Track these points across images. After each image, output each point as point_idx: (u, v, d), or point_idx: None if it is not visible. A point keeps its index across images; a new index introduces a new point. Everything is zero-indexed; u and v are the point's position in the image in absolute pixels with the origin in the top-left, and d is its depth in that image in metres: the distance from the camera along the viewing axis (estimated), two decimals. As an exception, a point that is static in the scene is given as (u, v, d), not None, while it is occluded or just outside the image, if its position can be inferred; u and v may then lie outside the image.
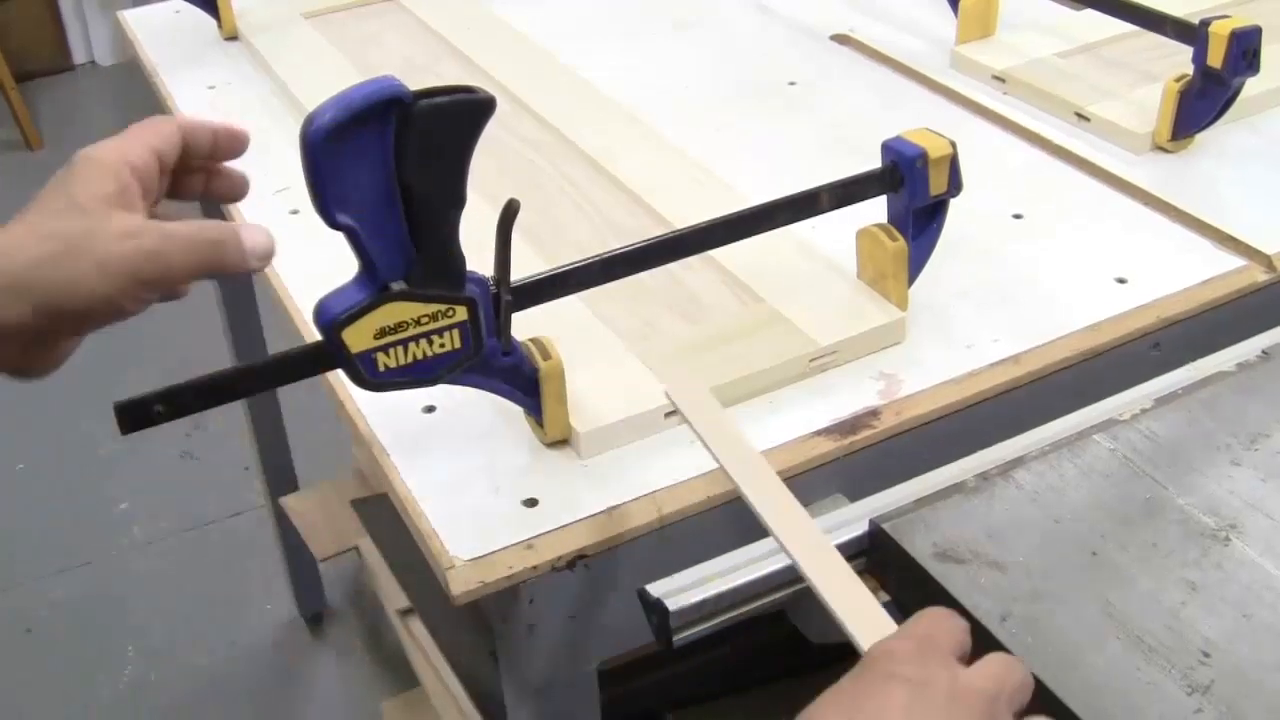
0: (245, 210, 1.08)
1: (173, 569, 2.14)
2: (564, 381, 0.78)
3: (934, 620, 0.55)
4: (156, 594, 2.09)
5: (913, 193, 0.85)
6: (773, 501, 0.70)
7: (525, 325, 0.77)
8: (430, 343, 0.72)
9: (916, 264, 0.89)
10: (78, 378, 2.32)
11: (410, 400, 0.84)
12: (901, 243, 0.87)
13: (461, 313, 0.72)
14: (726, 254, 0.91)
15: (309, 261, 0.86)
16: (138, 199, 0.61)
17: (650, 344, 0.87)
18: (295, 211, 1.05)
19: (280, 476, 1.88)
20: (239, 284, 1.64)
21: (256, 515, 2.21)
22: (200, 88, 1.29)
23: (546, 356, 0.77)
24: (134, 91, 3.70)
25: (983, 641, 0.64)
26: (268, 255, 0.65)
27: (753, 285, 0.92)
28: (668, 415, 0.82)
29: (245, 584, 2.10)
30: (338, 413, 0.87)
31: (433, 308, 0.71)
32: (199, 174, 0.71)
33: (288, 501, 1.83)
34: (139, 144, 0.64)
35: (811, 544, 0.66)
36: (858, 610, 0.60)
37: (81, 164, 0.61)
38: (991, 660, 0.54)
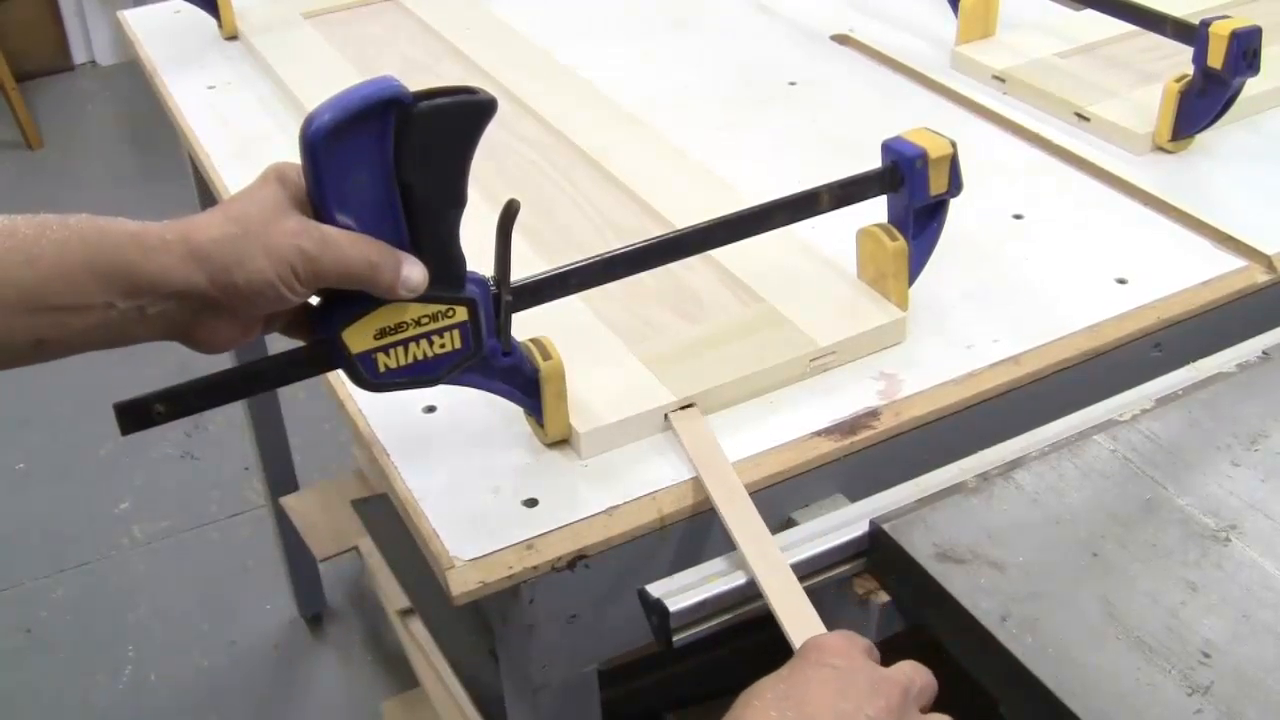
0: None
1: (173, 569, 2.14)
2: (564, 381, 0.78)
3: (850, 631, 0.63)
4: (156, 594, 2.09)
5: (913, 192, 0.85)
6: (739, 515, 0.74)
7: (525, 325, 0.77)
8: (430, 343, 0.72)
9: (917, 264, 0.89)
10: (78, 378, 2.31)
11: (411, 401, 0.84)
12: (902, 242, 0.87)
13: (461, 313, 0.72)
14: (727, 254, 0.91)
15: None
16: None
17: (650, 344, 0.87)
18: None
19: (280, 476, 1.88)
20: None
21: (256, 515, 2.21)
22: (200, 88, 1.29)
23: (547, 356, 0.77)
24: (134, 91, 3.69)
25: (982, 642, 0.64)
26: (418, 289, 0.70)
27: (753, 285, 0.92)
28: (668, 415, 0.82)
29: (245, 584, 2.10)
30: (338, 413, 0.87)
31: (433, 308, 0.71)
32: None
33: (288, 501, 1.83)
34: None
35: (766, 556, 0.71)
36: (796, 614, 0.67)
37: (272, 172, 0.69)
38: (903, 664, 0.62)
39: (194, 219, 0.67)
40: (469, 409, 0.84)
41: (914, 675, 0.61)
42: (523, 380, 0.77)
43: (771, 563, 0.70)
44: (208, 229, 0.66)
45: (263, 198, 0.67)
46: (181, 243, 0.65)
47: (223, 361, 0.80)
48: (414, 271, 0.69)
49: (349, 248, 0.67)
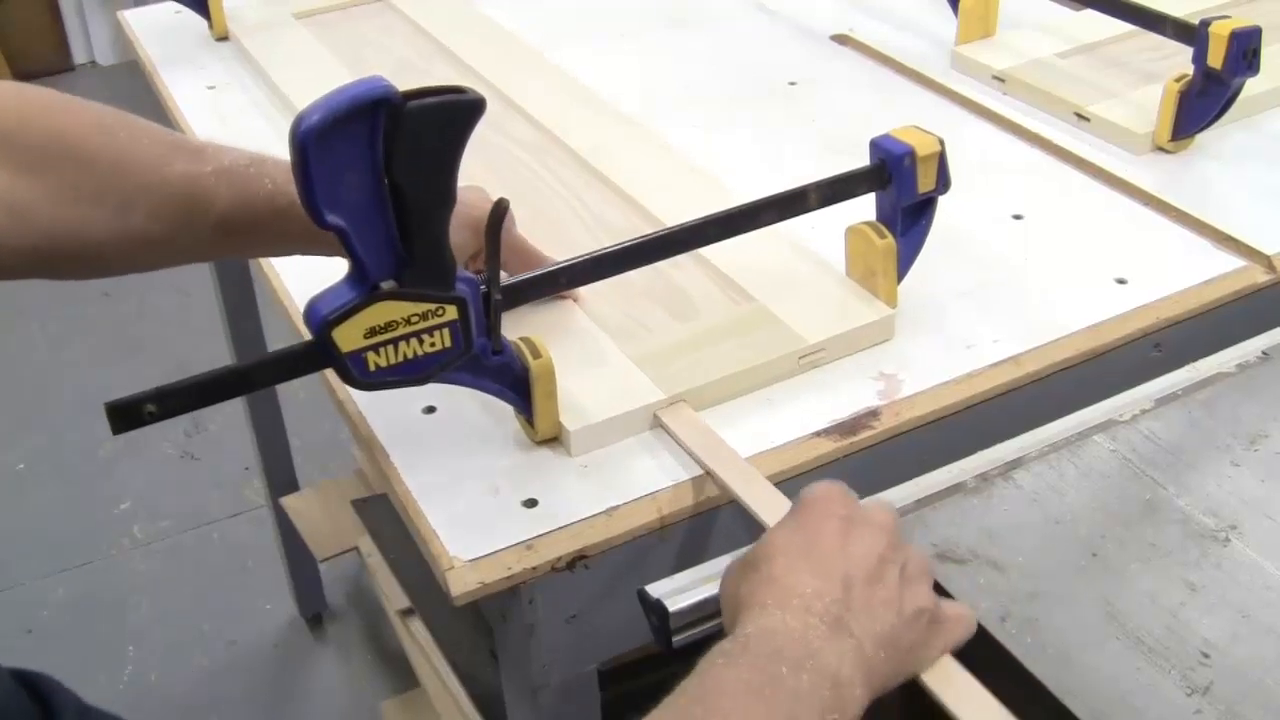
0: (245, 210, 1.07)
1: (173, 569, 2.14)
2: (554, 380, 0.78)
3: (835, 482, 0.67)
4: (156, 594, 2.09)
5: (901, 190, 0.85)
6: (762, 497, 0.73)
7: (516, 324, 0.77)
8: (420, 342, 0.72)
9: (905, 261, 0.89)
10: (78, 378, 2.31)
11: (410, 401, 0.84)
12: (890, 240, 0.87)
13: (451, 312, 0.72)
14: (716, 252, 0.91)
15: (308, 261, 0.86)
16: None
17: (640, 342, 0.87)
18: (295, 212, 1.05)
19: (280, 476, 1.88)
20: (239, 284, 1.64)
21: (256, 515, 2.21)
22: (200, 88, 1.29)
23: (536, 355, 0.77)
24: (134, 91, 3.69)
25: (982, 642, 0.64)
26: None
27: (742, 283, 0.92)
28: (658, 413, 0.82)
29: (245, 584, 2.10)
30: (338, 413, 0.87)
31: (423, 307, 0.71)
32: None
33: (288, 501, 1.83)
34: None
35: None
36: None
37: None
38: (875, 507, 0.67)
39: None
40: (469, 410, 0.84)
41: (889, 515, 0.66)
42: (513, 379, 0.77)
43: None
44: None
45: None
46: None
47: (223, 361, 0.81)
48: None
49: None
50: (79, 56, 3.93)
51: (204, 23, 1.39)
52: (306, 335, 0.72)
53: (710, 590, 0.70)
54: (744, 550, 0.65)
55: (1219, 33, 1.02)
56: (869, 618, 0.60)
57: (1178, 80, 1.08)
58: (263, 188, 0.79)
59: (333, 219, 0.66)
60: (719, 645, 0.59)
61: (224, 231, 0.79)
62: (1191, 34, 1.05)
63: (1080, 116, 1.16)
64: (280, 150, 0.70)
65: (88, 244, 0.75)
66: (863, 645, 0.59)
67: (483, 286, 0.73)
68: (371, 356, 0.71)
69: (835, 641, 0.58)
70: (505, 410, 0.81)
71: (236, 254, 0.90)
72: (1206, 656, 0.62)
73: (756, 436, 0.81)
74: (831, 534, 0.62)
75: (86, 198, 0.74)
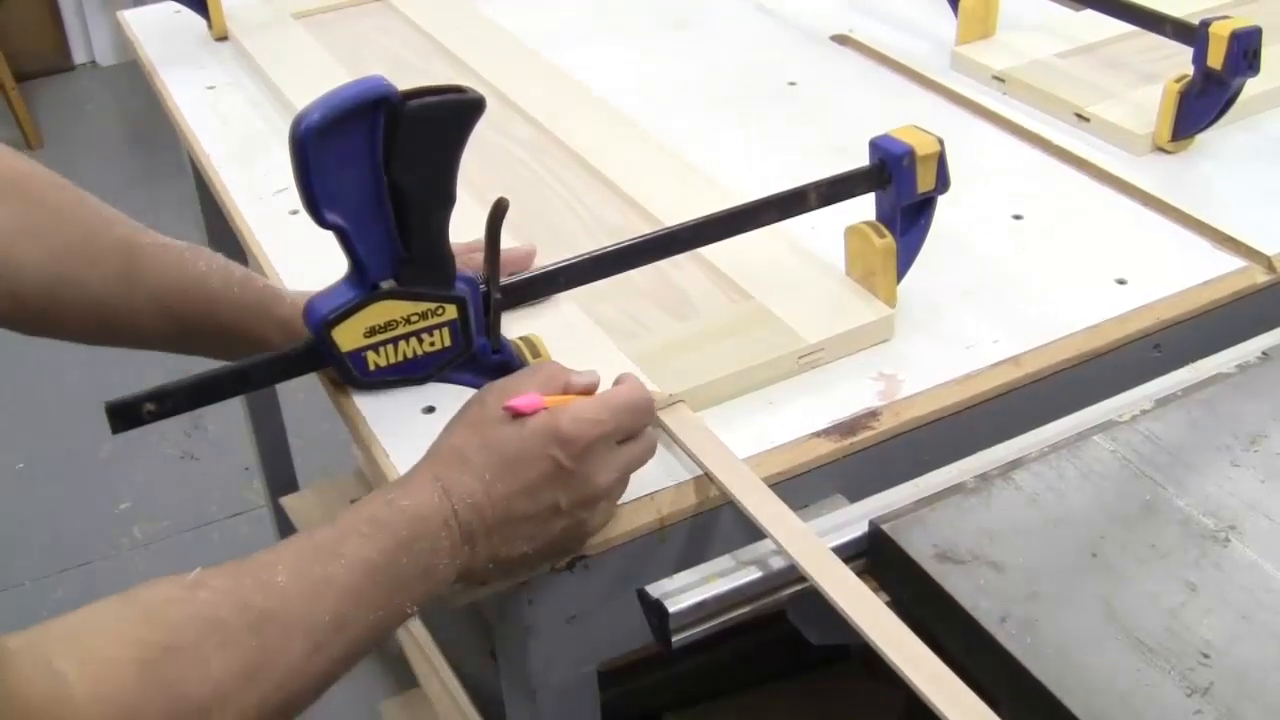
0: (246, 212, 1.07)
1: (173, 569, 2.12)
2: None
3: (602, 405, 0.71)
4: (156, 594, 2.09)
5: (900, 190, 0.85)
6: (760, 502, 0.73)
7: (515, 323, 0.77)
8: (420, 341, 0.72)
9: (905, 261, 0.89)
10: (78, 378, 2.30)
11: (410, 401, 0.84)
12: (889, 240, 0.87)
13: (451, 311, 0.72)
14: (716, 252, 0.91)
15: (309, 263, 0.86)
16: None
17: (639, 341, 0.87)
18: (295, 212, 1.05)
19: (280, 476, 1.88)
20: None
21: (256, 515, 2.21)
22: (200, 88, 1.29)
23: (536, 354, 0.77)
24: (134, 91, 3.69)
25: (982, 642, 0.64)
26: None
27: (742, 283, 0.92)
28: (658, 413, 0.81)
29: (245, 584, 2.10)
30: (337, 413, 0.87)
31: (422, 306, 0.71)
32: None
33: (288, 501, 1.83)
34: None
35: (803, 539, 0.69)
36: (852, 597, 0.66)
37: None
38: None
39: None
40: (468, 409, 0.84)
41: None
42: None
43: (810, 545, 0.70)
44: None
45: None
46: None
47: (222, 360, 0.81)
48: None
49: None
50: (79, 56, 3.93)
51: (203, 23, 1.39)
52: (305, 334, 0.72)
53: (710, 590, 0.70)
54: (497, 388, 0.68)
55: (1219, 33, 1.02)
56: (503, 543, 0.65)
57: (1178, 81, 1.08)
58: (195, 268, 0.81)
59: (332, 218, 0.66)
60: (380, 500, 0.63)
61: (157, 303, 0.81)
62: (1191, 34, 1.05)
63: (1080, 117, 1.16)
64: (279, 148, 0.70)
65: (21, 284, 0.75)
66: (477, 559, 0.65)
67: (482, 286, 0.73)
68: (371, 355, 0.71)
69: (456, 554, 0.64)
70: (505, 410, 0.81)
71: (174, 343, 0.86)
72: (1206, 657, 0.62)
73: (756, 436, 0.81)
74: (543, 467, 0.66)
75: (27, 231, 0.75)
